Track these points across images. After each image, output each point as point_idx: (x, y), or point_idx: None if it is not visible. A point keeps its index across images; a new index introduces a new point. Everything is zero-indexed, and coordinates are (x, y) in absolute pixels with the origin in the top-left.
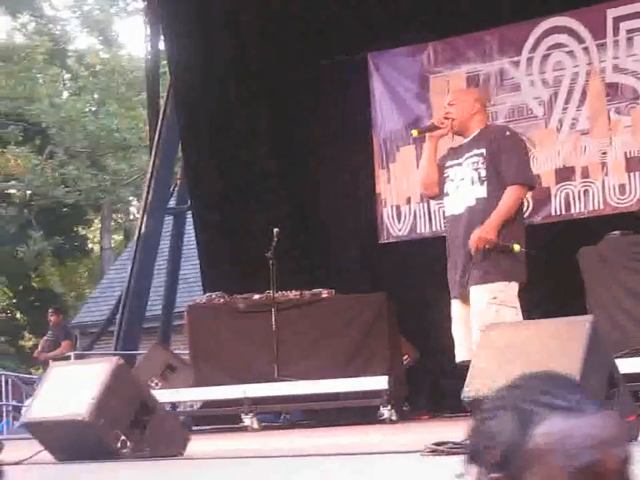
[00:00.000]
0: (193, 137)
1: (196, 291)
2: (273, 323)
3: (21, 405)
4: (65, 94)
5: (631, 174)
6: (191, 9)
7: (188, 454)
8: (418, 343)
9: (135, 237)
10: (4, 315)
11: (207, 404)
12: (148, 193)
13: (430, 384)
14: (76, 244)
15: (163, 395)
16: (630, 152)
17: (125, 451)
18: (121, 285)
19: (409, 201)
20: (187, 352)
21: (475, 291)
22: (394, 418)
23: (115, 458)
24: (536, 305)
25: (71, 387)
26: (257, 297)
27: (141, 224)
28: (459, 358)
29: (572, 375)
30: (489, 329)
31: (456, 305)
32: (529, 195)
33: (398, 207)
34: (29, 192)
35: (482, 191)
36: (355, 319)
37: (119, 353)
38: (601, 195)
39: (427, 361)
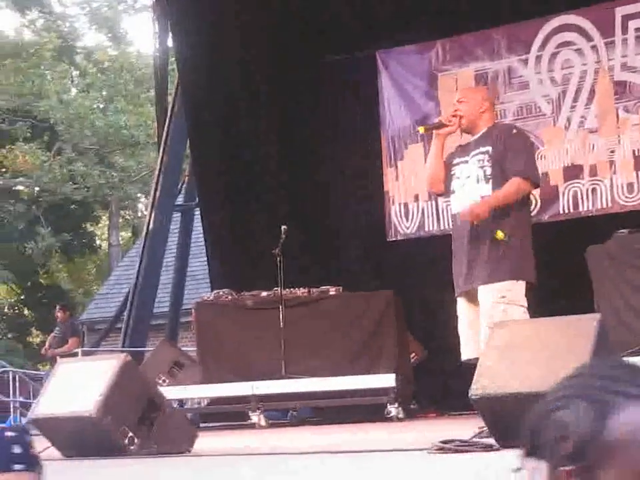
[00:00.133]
0: (201, 134)
1: (204, 288)
2: (281, 320)
3: (28, 401)
4: (73, 91)
5: (639, 172)
6: (200, 6)
7: (195, 451)
8: (426, 341)
9: (143, 234)
10: (12, 311)
11: (215, 401)
12: (156, 189)
13: (437, 382)
14: (84, 241)
15: (171, 392)
16: (638, 150)
17: (132, 447)
18: (129, 281)
19: (417, 198)
20: (195, 349)
21: (483, 290)
22: (401, 416)
23: (122, 455)
24: (544, 303)
25: (79, 383)
26: (264, 294)
27: (149, 221)
28: (464, 356)
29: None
30: (497, 327)
31: (462, 303)
32: (537, 193)
33: (406, 205)
34: (37, 188)
35: (487, 189)
36: (362, 316)
37: (127, 350)
38: (609, 193)
39: (434, 358)
